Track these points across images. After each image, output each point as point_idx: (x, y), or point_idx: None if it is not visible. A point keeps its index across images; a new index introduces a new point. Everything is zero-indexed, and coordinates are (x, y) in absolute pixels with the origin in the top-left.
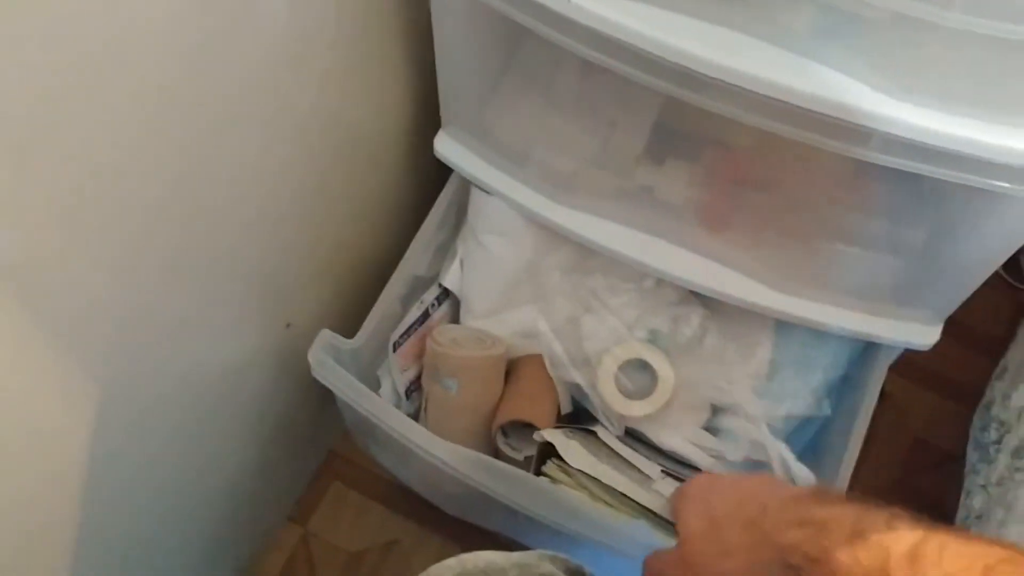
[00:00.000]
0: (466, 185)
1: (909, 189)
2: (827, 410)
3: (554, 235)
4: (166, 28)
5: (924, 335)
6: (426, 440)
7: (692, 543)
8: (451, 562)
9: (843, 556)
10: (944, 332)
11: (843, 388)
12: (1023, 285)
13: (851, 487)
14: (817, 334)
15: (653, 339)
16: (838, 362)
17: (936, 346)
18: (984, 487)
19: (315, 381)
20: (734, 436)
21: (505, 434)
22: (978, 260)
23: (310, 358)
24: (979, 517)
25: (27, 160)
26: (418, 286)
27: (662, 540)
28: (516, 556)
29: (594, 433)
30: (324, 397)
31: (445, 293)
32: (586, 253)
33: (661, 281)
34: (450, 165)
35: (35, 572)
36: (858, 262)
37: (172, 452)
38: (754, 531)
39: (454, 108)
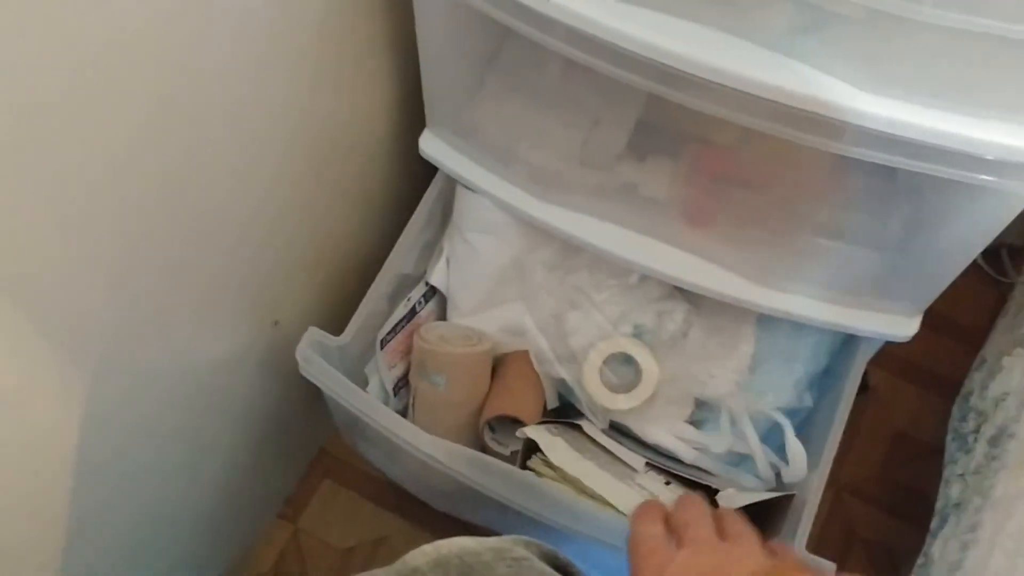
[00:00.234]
0: (451, 183)
1: (887, 183)
2: (808, 402)
3: (539, 232)
4: (155, 32)
5: (903, 327)
6: (413, 435)
7: None
8: (427, 548)
9: None
10: (927, 326)
11: (825, 381)
12: (1005, 278)
13: (836, 480)
14: (798, 327)
15: (638, 334)
16: (819, 355)
17: (919, 340)
18: (962, 476)
19: (303, 379)
20: (718, 429)
21: (492, 429)
22: (954, 252)
23: (297, 355)
24: (957, 505)
25: (19, 162)
26: (405, 284)
27: None
28: (491, 541)
29: (579, 427)
30: (313, 395)
31: (432, 291)
32: (571, 250)
33: (645, 277)
34: (435, 164)
35: (26, 568)
36: (838, 256)
37: (162, 448)
38: None
39: (438, 107)
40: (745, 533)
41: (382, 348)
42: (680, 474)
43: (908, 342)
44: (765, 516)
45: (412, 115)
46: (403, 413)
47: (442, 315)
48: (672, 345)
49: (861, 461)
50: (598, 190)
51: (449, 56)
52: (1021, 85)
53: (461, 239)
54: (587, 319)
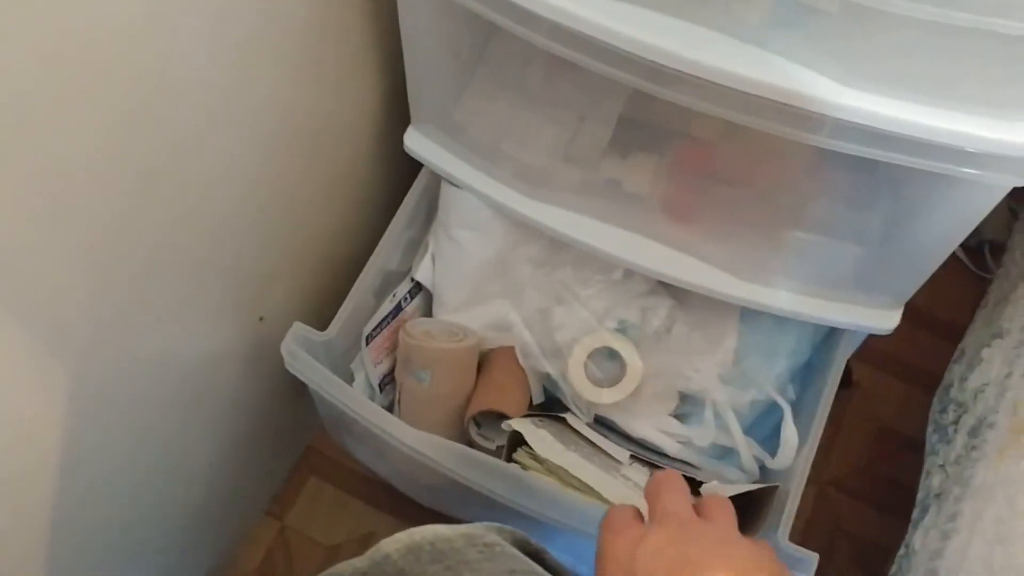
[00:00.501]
0: (436, 180)
1: (867, 177)
2: (791, 395)
3: (524, 228)
4: (135, 27)
5: (884, 320)
6: (399, 429)
7: None
8: (400, 535)
9: None
10: (910, 321)
11: (808, 374)
12: (986, 274)
13: (820, 475)
14: (781, 321)
15: (622, 329)
16: (801, 348)
17: (902, 335)
18: (942, 467)
19: (289, 376)
20: (702, 423)
21: (478, 424)
22: (933, 244)
23: (283, 350)
24: (938, 495)
25: (1, 155)
26: (391, 280)
27: None
28: (463, 528)
29: (564, 420)
30: (299, 392)
31: (417, 287)
32: (556, 246)
33: (630, 273)
34: (420, 160)
35: (8, 563)
36: (820, 250)
37: (147, 444)
38: None
39: (423, 104)
40: (724, 514)
41: (367, 344)
42: (664, 467)
43: (891, 337)
44: (748, 509)
45: (397, 111)
46: (389, 409)
47: (428, 311)
48: (656, 340)
49: (845, 455)
50: (582, 186)
51: (433, 52)
52: (994, 77)
53: (446, 235)
54: (572, 314)
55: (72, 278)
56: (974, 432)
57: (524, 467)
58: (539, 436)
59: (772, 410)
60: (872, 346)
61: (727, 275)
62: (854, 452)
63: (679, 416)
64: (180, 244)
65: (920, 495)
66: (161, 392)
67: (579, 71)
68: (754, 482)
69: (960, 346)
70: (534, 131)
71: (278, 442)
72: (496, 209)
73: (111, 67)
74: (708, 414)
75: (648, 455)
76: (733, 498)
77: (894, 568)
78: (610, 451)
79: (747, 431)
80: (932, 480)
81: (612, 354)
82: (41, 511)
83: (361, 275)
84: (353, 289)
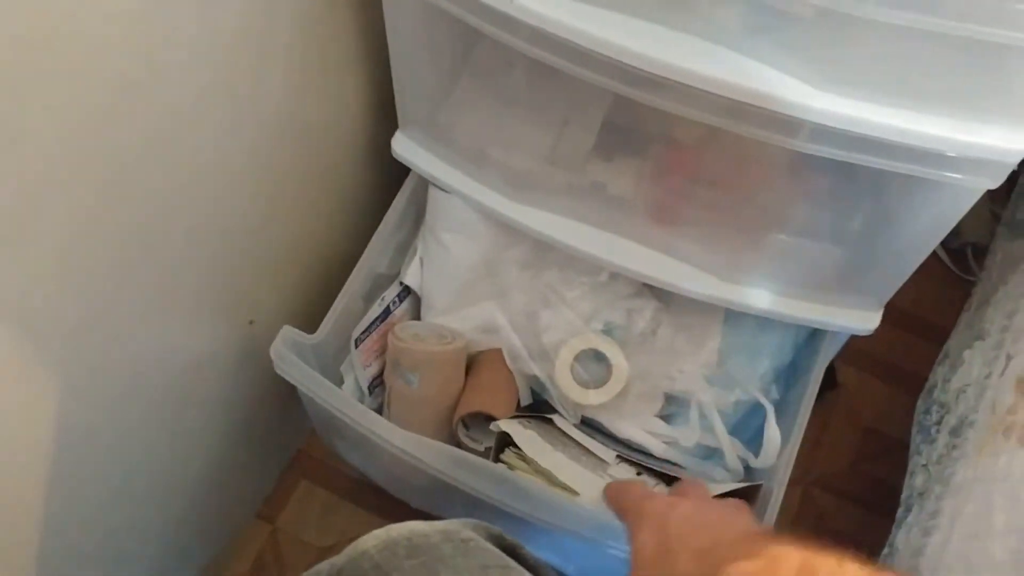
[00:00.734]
0: (424, 184)
1: (845, 179)
2: (775, 395)
3: (512, 232)
4: (124, 27)
5: (865, 320)
6: (387, 431)
7: (644, 569)
8: (378, 532)
9: None
10: (895, 324)
11: (791, 375)
12: (970, 277)
13: (806, 475)
14: (764, 322)
15: (608, 331)
16: (784, 349)
17: (887, 337)
18: (925, 466)
19: (279, 379)
20: (687, 423)
21: (466, 426)
22: (911, 246)
23: (272, 353)
24: (921, 494)
25: None
26: (380, 284)
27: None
28: (440, 524)
29: (551, 421)
30: (289, 395)
31: (406, 291)
32: (543, 249)
33: (615, 275)
34: (407, 165)
35: None
36: (801, 252)
37: (136, 444)
38: (704, 561)
39: (410, 109)
40: (704, 491)
41: (356, 347)
42: (650, 467)
43: (876, 339)
44: None
45: (385, 116)
46: (379, 411)
47: (416, 315)
48: (642, 342)
49: (831, 457)
50: (568, 190)
51: (419, 58)
52: (967, 81)
53: (434, 239)
54: (559, 316)
55: (56, 279)
56: (955, 432)
57: (512, 467)
58: (526, 437)
59: (756, 410)
60: (857, 348)
61: (710, 277)
62: (839, 453)
63: (665, 417)
64: (168, 247)
65: (904, 494)
66: (150, 394)
67: (562, 76)
68: (738, 481)
69: (944, 348)
70: (519, 135)
71: (269, 445)
72: (482, 212)
73: (94, 69)
74: (693, 415)
75: (634, 455)
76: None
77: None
78: (596, 451)
79: (732, 431)
80: (916, 480)
81: (598, 356)
82: (28, 513)
83: (350, 278)
84: (342, 292)
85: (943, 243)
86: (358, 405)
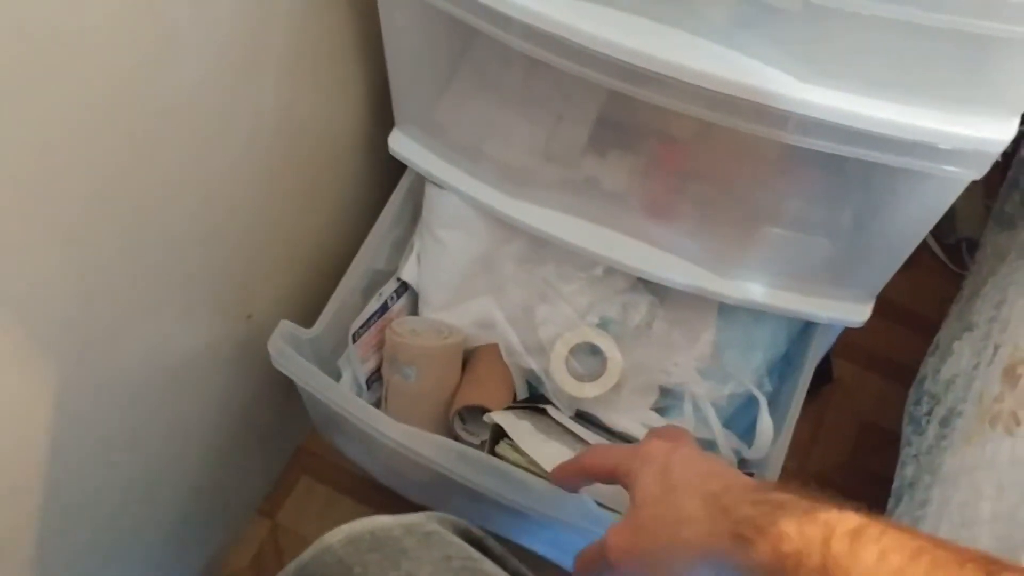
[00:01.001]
0: (421, 180)
1: (835, 172)
2: (768, 387)
3: (508, 227)
4: (118, 28)
5: (856, 313)
6: (384, 424)
7: (647, 508)
8: (344, 527)
9: (790, 528)
10: (891, 317)
11: (785, 367)
12: (965, 271)
13: (804, 469)
14: (758, 315)
15: (604, 325)
16: (778, 342)
17: (883, 331)
18: (916, 457)
19: (279, 374)
20: (681, 416)
21: (463, 420)
22: (900, 237)
23: (270, 347)
24: (911, 485)
25: None
26: (377, 279)
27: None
28: (405, 518)
29: (544, 412)
30: (289, 390)
31: (404, 286)
32: (539, 244)
33: (610, 270)
34: (404, 162)
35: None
36: (792, 245)
37: (134, 441)
38: (713, 504)
39: (406, 106)
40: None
41: (354, 342)
42: None
43: (872, 333)
44: None
45: (381, 113)
46: (376, 406)
47: (414, 310)
48: (637, 336)
49: (828, 451)
50: (563, 185)
51: (415, 55)
52: (952, 73)
53: (431, 235)
54: (555, 311)
55: (56, 274)
56: (945, 422)
57: (506, 460)
58: (520, 427)
59: (750, 403)
60: (853, 342)
61: (704, 271)
62: (836, 447)
63: (659, 410)
64: (166, 242)
65: (895, 485)
66: (149, 389)
67: (555, 71)
68: None
69: (935, 339)
70: (514, 131)
71: (269, 441)
72: (479, 208)
73: (91, 67)
74: (687, 407)
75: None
76: None
77: None
78: (591, 442)
79: (726, 424)
80: (906, 470)
81: (593, 349)
82: (26, 509)
83: (347, 274)
84: (339, 288)
85: (938, 238)
86: (355, 398)
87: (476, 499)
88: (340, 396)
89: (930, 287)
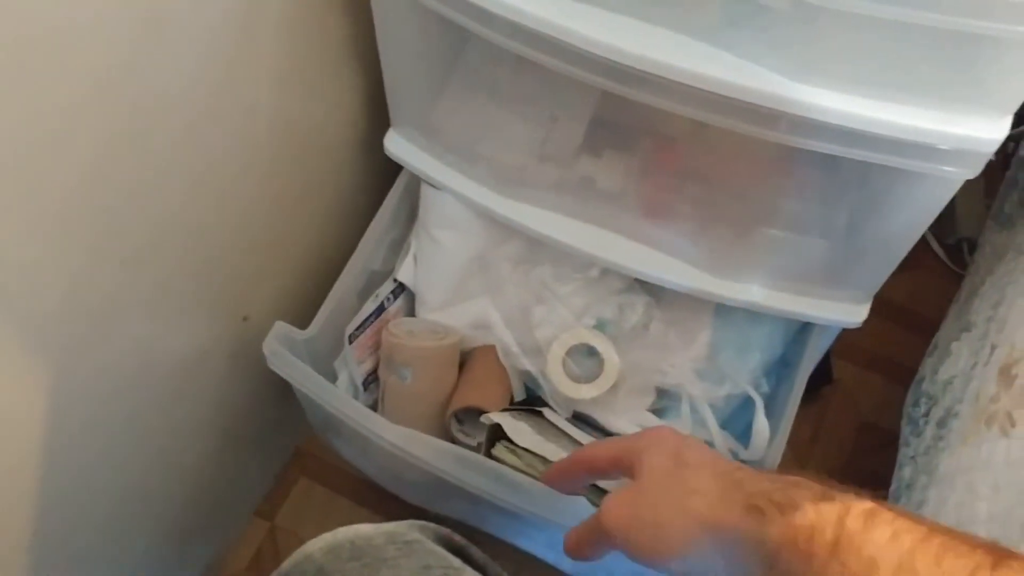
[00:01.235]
0: (417, 181)
1: (829, 172)
2: (765, 388)
3: (504, 228)
4: (113, 23)
5: (853, 314)
6: (379, 425)
7: (654, 479)
8: (325, 535)
9: (806, 504)
10: (891, 318)
11: (782, 369)
12: (965, 271)
13: (804, 470)
14: (754, 316)
15: (600, 326)
16: (775, 343)
17: (883, 332)
18: (913, 458)
19: (276, 376)
20: (679, 416)
21: (459, 421)
22: (895, 237)
23: (265, 349)
24: (908, 486)
25: None
26: (374, 280)
27: None
28: (386, 526)
29: (540, 414)
30: (285, 392)
31: (400, 287)
32: (535, 245)
33: (607, 271)
34: (400, 162)
35: None
36: (788, 245)
37: (131, 443)
38: (726, 478)
39: (402, 107)
40: None
41: (351, 343)
42: None
43: (872, 334)
44: None
45: (377, 114)
46: (373, 407)
47: (411, 311)
48: (634, 337)
49: (828, 451)
50: (558, 185)
51: (409, 56)
52: (943, 72)
53: (427, 236)
54: (551, 312)
55: (52, 275)
56: (942, 423)
57: (503, 462)
58: (518, 428)
59: (747, 404)
60: (853, 343)
61: (699, 271)
62: (836, 448)
63: (656, 411)
64: (163, 243)
65: (893, 487)
66: (145, 391)
67: (549, 72)
68: None
69: (933, 340)
70: (509, 131)
71: (266, 442)
72: (475, 209)
73: (87, 64)
74: (684, 408)
75: None
76: None
77: None
78: (586, 442)
79: (724, 425)
80: (903, 471)
81: (590, 351)
82: (23, 513)
83: (343, 275)
84: (334, 289)
85: (939, 238)
86: (350, 399)
87: (472, 501)
88: (336, 398)
89: (931, 287)
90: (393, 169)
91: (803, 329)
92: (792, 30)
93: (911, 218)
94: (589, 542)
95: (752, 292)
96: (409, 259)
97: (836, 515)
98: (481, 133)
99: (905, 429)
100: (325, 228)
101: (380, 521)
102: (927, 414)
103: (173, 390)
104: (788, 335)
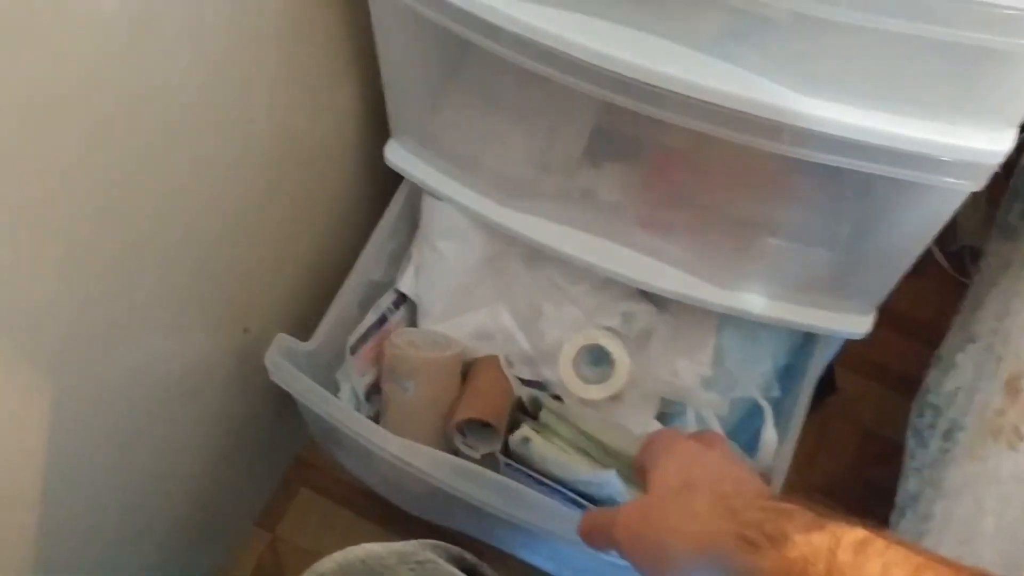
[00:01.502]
0: (418, 191)
1: (833, 183)
2: (772, 396)
3: (506, 237)
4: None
5: (858, 324)
6: (381, 437)
7: (664, 498)
8: (336, 554)
9: (797, 535)
10: (895, 327)
11: (788, 378)
12: (968, 280)
13: (807, 481)
14: (758, 326)
15: None
16: (781, 351)
17: (885, 341)
18: (919, 470)
19: (277, 387)
20: (684, 424)
21: (463, 434)
22: (899, 249)
23: (266, 361)
24: (913, 498)
25: None
26: (374, 291)
27: None
28: (397, 546)
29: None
30: (287, 404)
31: (402, 298)
32: (537, 254)
33: (610, 280)
34: (400, 173)
35: None
36: (792, 256)
37: (133, 455)
38: (720, 504)
39: (402, 118)
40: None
41: (352, 354)
42: None
43: (875, 344)
44: None
45: (377, 124)
46: (376, 419)
47: (413, 322)
48: (638, 345)
49: (831, 462)
50: (559, 196)
51: (409, 67)
52: (946, 85)
53: (429, 246)
54: (561, 313)
55: (50, 289)
56: (947, 435)
57: (548, 429)
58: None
59: (753, 413)
60: (856, 352)
61: (702, 282)
62: (840, 458)
63: (662, 419)
64: (162, 257)
65: (898, 498)
66: (146, 403)
67: (550, 83)
68: None
69: (937, 351)
70: (509, 142)
71: (267, 453)
72: (476, 220)
73: (90, 76)
74: (690, 417)
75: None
76: None
77: None
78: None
79: (730, 434)
80: (909, 484)
81: (600, 356)
82: (23, 523)
83: (344, 286)
84: (336, 300)
85: (942, 247)
86: (353, 413)
87: (475, 513)
88: (338, 410)
89: (933, 296)
90: (394, 179)
91: (808, 338)
92: (795, 42)
93: (915, 230)
94: (600, 537)
95: (755, 303)
96: (411, 269)
97: (827, 547)
98: (481, 143)
99: (910, 441)
100: (326, 239)
101: (382, 533)
102: (932, 426)
103: (174, 403)
104: (793, 344)
